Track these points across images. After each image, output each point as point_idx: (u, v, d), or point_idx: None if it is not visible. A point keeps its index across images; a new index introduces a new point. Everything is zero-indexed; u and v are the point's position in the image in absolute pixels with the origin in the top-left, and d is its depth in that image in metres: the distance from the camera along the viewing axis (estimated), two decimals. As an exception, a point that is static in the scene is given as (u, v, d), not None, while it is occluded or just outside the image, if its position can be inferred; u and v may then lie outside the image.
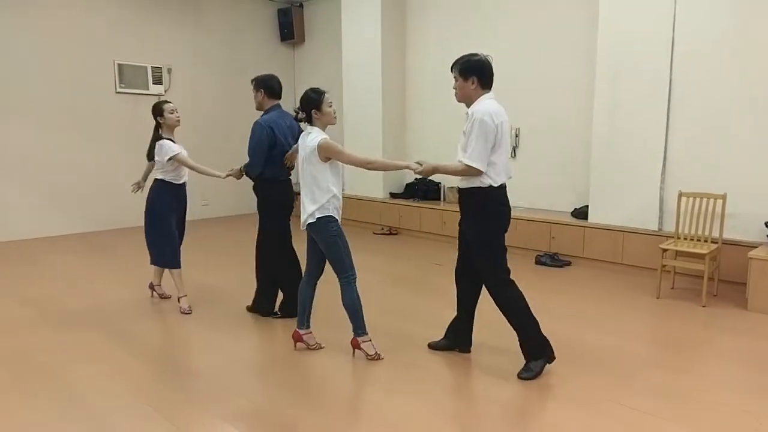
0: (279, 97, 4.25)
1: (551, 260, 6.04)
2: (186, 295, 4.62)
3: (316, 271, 3.70)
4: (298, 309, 3.75)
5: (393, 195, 8.24)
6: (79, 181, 7.78)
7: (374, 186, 8.22)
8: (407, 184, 8.18)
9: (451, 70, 3.34)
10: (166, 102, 4.51)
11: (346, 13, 8.32)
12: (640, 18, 5.50)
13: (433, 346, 3.75)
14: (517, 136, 7.04)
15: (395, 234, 7.88)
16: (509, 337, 3.46)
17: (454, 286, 3.65)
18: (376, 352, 3.58)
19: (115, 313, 4.53)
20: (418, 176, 3.38)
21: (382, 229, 7.99)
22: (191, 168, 4.46)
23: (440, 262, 6.24)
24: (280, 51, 9.98)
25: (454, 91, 3.34)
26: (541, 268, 5.97)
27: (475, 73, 3.23)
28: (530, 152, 6.99)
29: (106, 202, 7.94)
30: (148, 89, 8.25)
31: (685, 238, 5.04)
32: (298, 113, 3.53)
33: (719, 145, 5.25)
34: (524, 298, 3.36)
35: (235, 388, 3.26)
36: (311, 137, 3.43)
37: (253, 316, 4.45)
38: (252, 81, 4.26)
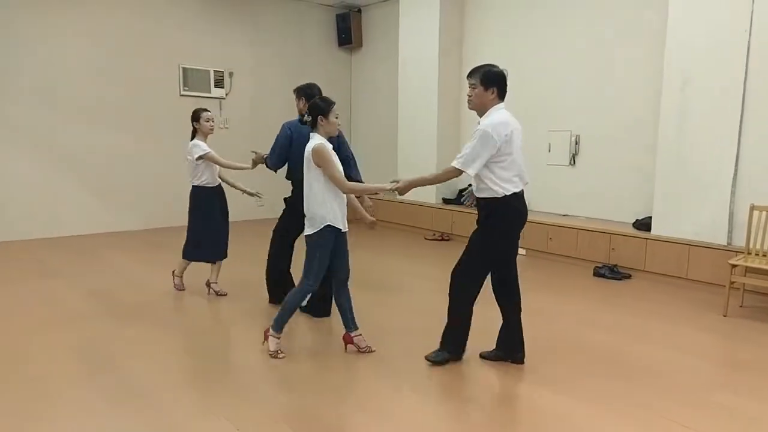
0: None
1: (610, 272, 5.84)
2: (180, 277, 5.05)
3: (341, 274, 3.74)
4: (339, 314, 3.81)
5: (446, 200, 8.18)
6: (139, 180, 8.11)
7: (426, 191, 8.17)
8: (460, 190, 8.10)
9: (469, 77, 3.38)
10: (205, 110, 4.82)
11: (404, 18, 8.35)
12: (713, 22, 5.24)
13: (485, 356, 3.67)
14: (577, 143, 6.86)
15: (447, 240, 7.81)
16: (564, 349, 3.37)
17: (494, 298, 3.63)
18: (276, 351, 3.67)
19: (170, 308, 4.69)
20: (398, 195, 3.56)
21: (434, 234, 7.94)
22: (221, 165, 4.74)
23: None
24: (338, 56, 10.11)
25: (468, 98, 3.40)
26: (599, 280, 5.78)
27: (495, 84, 3.30)
28: (590, 160, 6.80)
29: (164, 200, 8.21)
30: (210, 92, 8.54)
31: (757, 254, 4.77)
32: (304, 116, 3.65)
33: (797, 156, 4.95)
34: (474, 300, 3.45)
35: (286, 386, 3.33)
36: (311, 143, 3.51)
37: (306, 316, 4.49)
38: (294, 91, 4.50)
